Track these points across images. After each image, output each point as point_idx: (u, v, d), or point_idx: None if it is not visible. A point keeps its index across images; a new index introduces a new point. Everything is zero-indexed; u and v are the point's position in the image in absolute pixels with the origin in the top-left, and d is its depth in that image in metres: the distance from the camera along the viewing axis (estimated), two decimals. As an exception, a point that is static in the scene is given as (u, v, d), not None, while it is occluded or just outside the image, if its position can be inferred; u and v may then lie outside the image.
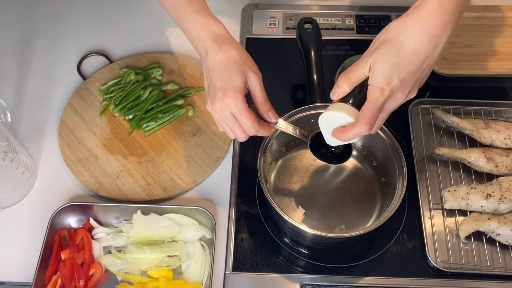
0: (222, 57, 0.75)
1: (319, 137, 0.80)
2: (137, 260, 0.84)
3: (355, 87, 0.72)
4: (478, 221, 0.84)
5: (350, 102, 0.72)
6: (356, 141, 0.93)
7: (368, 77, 0.70)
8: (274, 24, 1.16)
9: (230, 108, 0.74)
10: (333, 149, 0.82)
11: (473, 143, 0.94)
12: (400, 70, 0.67)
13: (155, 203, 0.92)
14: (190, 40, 0.80)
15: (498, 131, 0.92)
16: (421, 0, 0.69)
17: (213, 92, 0.75)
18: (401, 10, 1.15)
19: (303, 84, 0.94)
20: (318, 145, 0.82)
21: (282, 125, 0.80)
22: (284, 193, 0.90)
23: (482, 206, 0.85)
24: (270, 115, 0.77)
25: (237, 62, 0.75)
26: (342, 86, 0.72)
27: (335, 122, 0.73)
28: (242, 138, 0.77)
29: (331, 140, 0.77)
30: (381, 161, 0.90)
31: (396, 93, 0.69)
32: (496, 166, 0.89)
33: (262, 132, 0.77)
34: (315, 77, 0.92)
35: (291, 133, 0.80)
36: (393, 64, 0.67)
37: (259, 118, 0.77)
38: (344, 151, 0.82)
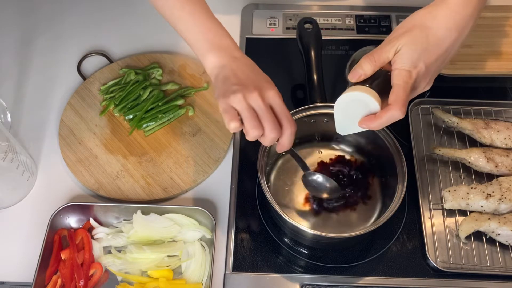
0: (246, 59, 0.76)
1: (309, 176, 0.83)
2: (137, 260, 0.84)
3: (374, 73, 0.71)
4: (478, 221, 0.84)
5: (367, 86, 0.70)
6: (358, 138, 0.93)
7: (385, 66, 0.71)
8: (274, 24, 1.16)
9: (271, 101, 0.69)
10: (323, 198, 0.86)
11: (473, 143, 0.94)
12: (427, 55, 0.69)
13: (155, 203, 0.92)
14: (195, 49, 0.79)
15: (498, 131, 0.92)
16: None
17: (245, 80, 0.70)
18: (401, 10, 1.16)
19: (303, 84, 0.94)
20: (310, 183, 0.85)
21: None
22: (284, 193, 0.90)
23: (482, 206, 0.85)
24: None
25: (256, 66, 0.76)
26: (366, 68, 0.70)
27: (354, 106, 0.71)
28: (270, 139, 0.70)
29: (343, 128, 0.76)
30: (381, 161, 0.90)
31: (420, 79, 0.70)
32: (496, 166, 0.89)
33: (288, 139, 0.72)
34: (315, 77, 0.92)
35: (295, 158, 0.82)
36: (422, 48, 0.69)
37: None
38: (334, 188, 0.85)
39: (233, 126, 0.69)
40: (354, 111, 0.71)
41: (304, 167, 0.83)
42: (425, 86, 0.72)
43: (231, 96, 0.68)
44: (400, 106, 0.67)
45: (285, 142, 0.72)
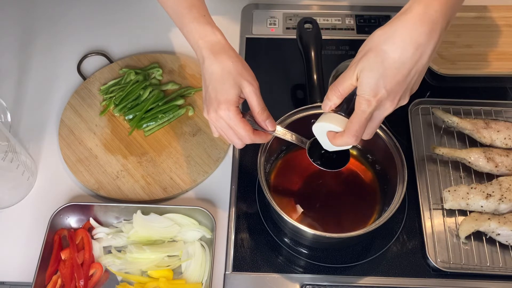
0: (217, 68, 0.76)
1: (317, 143, 0.81)
2: (137, 260, 0.84)
3: (346, 96, 0.72)
4: (478, 221, 0.84)
5: (343, 110, 0.73)
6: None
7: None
8: (274, 24, 1.16)
9: (224, 119, 0.75)
10: (331, 155, 0.82)
11: (473, 143, 0.94)
12: (386, 80, 0.66)
13: (155, 203, 0.92)
14: (191, 46, 0.81)
15: (498, 131, 0.92)
16: (406, 6, 0.68)
17: (208, 102, 0.77)
18: (401, 10, 1.16)
19: (303, 84, 0.94)
20: (316, 150, 0.82)
21: (280, 131, 0.80)
22: (284, 193, 0.90)
23: (482, 206, 0.85)
24: (267, 124, 0.78)
25: (231, 73, 0.75)
26: (332, 98, 0.72)
27: (326, 131, 0.74)
28: (239, 145, 0.79)
29: (328, 146, 0.78)
30: (381, 161, 0.90)
31: (385, 102, 0.68)
32: (496, 166, 0.89)
33: (258, 140, 0.78)
34: (315, 77, 0.92)
35: (289, 140, 0.81)
36: (378, 74, 0.66)
37: (257, 125, 0.78)
38: (342, 157, 0.82)
39: (215, 136, 0.81)
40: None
41: (302, 141, 0.83)
42: (397, 104, 0.69)
43: (205, 115, 0.78)
44: (351, 135, 0.69)
45: (257, 142, 0.79)
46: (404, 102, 0.70)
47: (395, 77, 0.66)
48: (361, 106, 0.68)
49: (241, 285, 0.84)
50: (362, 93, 0.68)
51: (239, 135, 0.76)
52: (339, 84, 0.71)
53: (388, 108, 0.69)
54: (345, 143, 0.71)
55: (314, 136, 0.81)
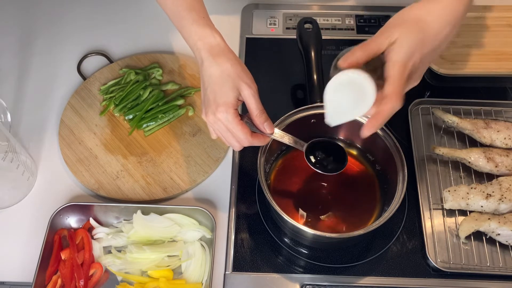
0: (216, 70, 0.76)
1: (315, 145, 0.81)
2: (137, 260, 0.84)
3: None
4: (478, 221, 0.84)
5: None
6: (358, 138, 0.92)
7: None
8: (274, 24, 1.16)
9: (222, 122, 0.76)
10: (329, 157, 0.83)
11: (473, 143, 0.94)
12: (422, 46, 0.69)
13: (155, 203, 0.92)
14: (190, 48, 0.81)
15: (498, 131, 0.92)
16: None
17: (207, 104, 0.77)
18: (401, 10, 1.16)
19: (303, 84, 0.94)
20: (314, 153, 0.83)
21: (278, 134, 0.81)
22: (284, 193, 0.90)
23: (482, 206, 0.85)
24: (265, 127, 0.78)
25: (230, 76, 0.75)
26: (358, 55, 0.70)
27: (346, 90, 0.69)
28: (237, 148, 0.79)
29: (333, 118, 0.74)
30: (381, 161, 0.90)
31: (415, 70, 0.70)
32: (496, 166, 0.89)
33: (256, 143, 0.78)
34: (315, 77, 0.92)
35: (287, 142, 0.81)
36: (418, 39, 0.69)
37: (255, 128, 0.78)
38: (339, 160, 0.83)
39: (213, 138, 0.81)
40: (347, 95, 0.70)
41: (301, 144, 0.83)
42: (415, 80, 0.73)
43: (203, 117, 0.78)
44: (399, 97, 0.68)
45: (255, 145, 0.79)
46: (418, 81, 0.73)
47: (431, 44, 0.70)
48: (399, 69, 0.68)
49: (241, 285, 0.84)
50: (397, 56, 0.68)
51: (237, 137, 0.77)
52: (367, 44, 0.71)
53: (413, 78, 0.72)
54: (393, 111, 0.68)
55: (313, 138, 0.81)
